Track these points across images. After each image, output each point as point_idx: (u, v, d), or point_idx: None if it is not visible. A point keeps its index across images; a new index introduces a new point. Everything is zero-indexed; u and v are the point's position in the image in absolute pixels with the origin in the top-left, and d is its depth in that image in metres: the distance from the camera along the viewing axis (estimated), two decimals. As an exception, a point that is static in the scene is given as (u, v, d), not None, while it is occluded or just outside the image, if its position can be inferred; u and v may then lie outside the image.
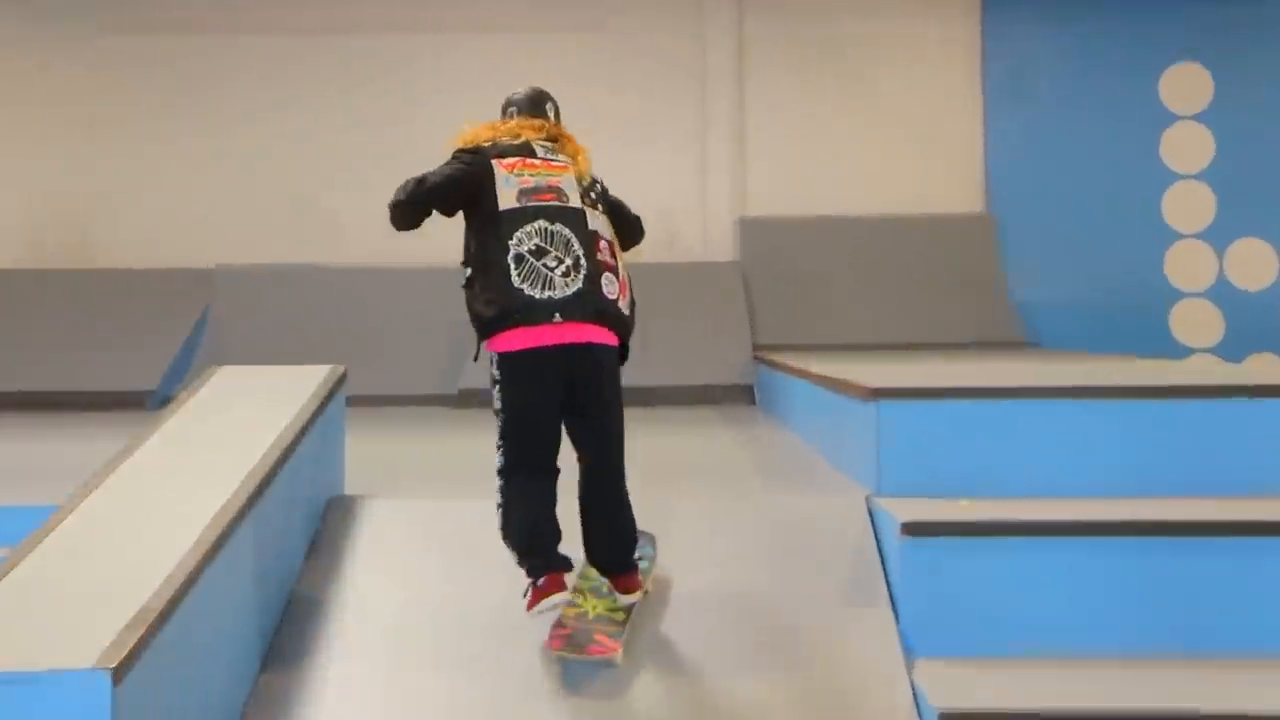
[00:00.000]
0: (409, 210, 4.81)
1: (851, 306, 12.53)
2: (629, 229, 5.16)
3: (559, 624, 4.86)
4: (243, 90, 13.10)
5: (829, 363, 9.06)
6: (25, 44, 13.14)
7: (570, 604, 4.95)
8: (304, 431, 5.42)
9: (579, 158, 4.98)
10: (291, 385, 5.88)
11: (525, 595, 4.81)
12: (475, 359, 4.92)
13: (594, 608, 4.96)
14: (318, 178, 12.99)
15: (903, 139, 13.18)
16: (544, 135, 4.99)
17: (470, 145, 4.93)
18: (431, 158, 13.75)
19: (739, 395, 11.45)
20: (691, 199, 13.11)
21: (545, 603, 4.76)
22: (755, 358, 11.56)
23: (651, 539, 5.40)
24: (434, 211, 4.88)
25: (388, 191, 12.56)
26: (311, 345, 11.86)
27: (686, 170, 13.13)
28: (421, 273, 12.53)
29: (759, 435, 9.22)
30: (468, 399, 11.22)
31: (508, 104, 5.17)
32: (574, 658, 4.77)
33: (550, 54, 13.05)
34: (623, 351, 4.91)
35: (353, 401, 11.15)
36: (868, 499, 5.93)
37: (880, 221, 12.97)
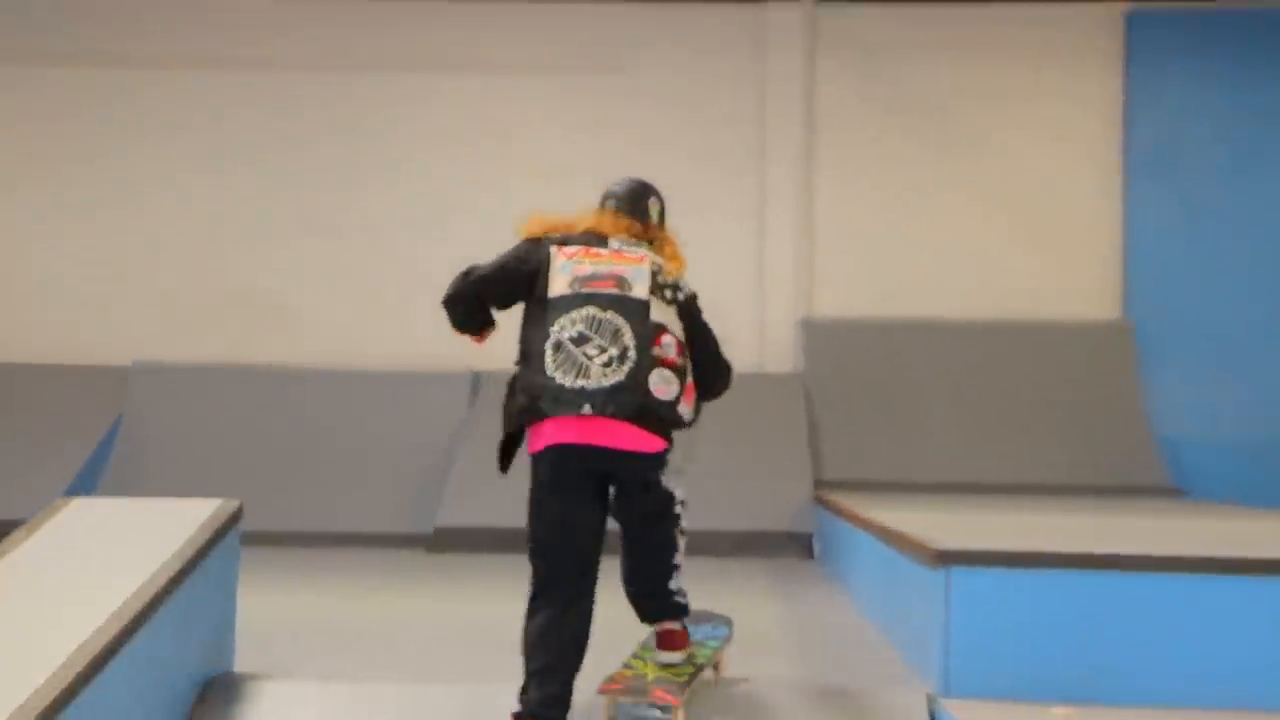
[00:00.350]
0: (459, 305, 5.36)
1: (944, 435, 12.05)
2: (707, 367, 5.47)
3: (612, 679, 5.27)
4: (173, 140, 12.92)
5: (904, 509, 8.62)
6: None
7: (626, 666, 5.37)
8: (167, 591, 4.99)
9: (669, 261, 5.42)
10: (162, 526, 5.45)
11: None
12: (503, 470, 5.22)
13: (651, 670, 5.34)
14: (266, 255, 12.77)
15: (1017, 223, 12.78)
16: (625, 239, 5.40)
17: (533, 235, 5.39)
18: (413, 230, 13.28)
19: (793, 546, 10.95)
20: (743, 293, 12.74)
21: None
22: (816, 499, 11.08)
23: (728, 621, 5.88)
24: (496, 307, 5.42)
25: (355, 274, 11.68)
26: (250, 466, 11.59)
27: (737, 256, 12.78)
28: (394, 377, 12.28)
29: (808, 600, 8.71)
30: (445, 541, 10.81)
31: (606, 196, 5.60)
32: (630, 701, 5.19)
33: (562, 102, 12.84)
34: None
35: (292, 541, 11.02)
36: (930, 700, 5.44)
37: (985, 328, 12.54)
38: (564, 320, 5.10)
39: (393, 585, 9.20)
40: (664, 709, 5.20)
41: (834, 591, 8.97)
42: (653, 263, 5.31)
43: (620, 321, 5.11)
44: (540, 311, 5.15)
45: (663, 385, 5.08)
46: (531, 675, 4.93)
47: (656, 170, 12.66)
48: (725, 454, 11.64)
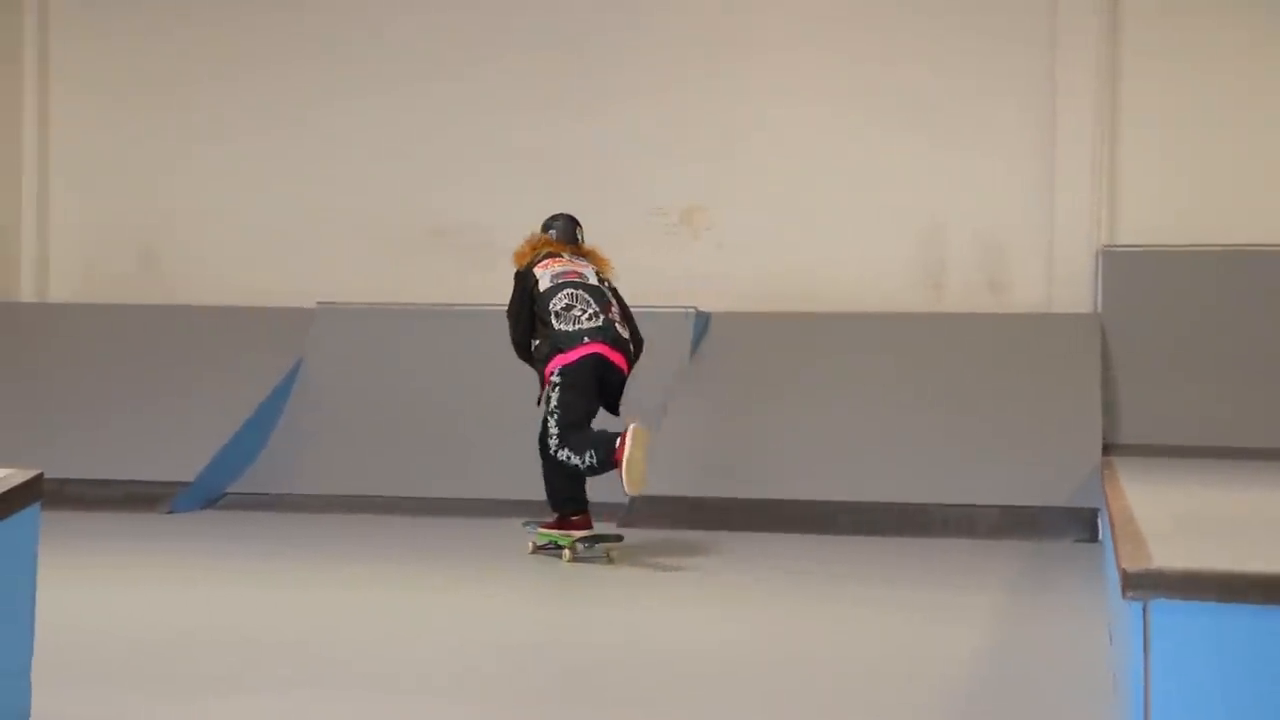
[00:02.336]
0: (526, 353, 7.93)
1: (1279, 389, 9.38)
2: (635, 335, 7.89)
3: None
4: (364, 62, 11.11)
5: (1178, 486, 6.27)
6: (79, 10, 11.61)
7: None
8: None
9: (604, 267, 8.09)
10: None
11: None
12: (538, 403, 7.73)
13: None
14: (470, 186, 10.86)
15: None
16: (571, 253, 8.03)
17: (524, 265, 7.91)
18: (639, 155, 10.48)
19: (1074, 527, 8.50)
20: (1028, 219, 10.29)
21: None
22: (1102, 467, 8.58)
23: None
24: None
25: (572, 204, 9.93)
26: (435, 417, 9.87)
27: (1021, 175, 10.33)
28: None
29: (1048, 606, 6.30)
30: (642, 513, 8.65)
31: (549, 225, 8.23)
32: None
33: (814, 6, 10.58)
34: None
35: (459, 509, 9.12)
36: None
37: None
38: (554, 300, 7.66)
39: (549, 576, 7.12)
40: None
41: (1092, 597, 6.51)
42: (593, 269, 7.98)
43: (587, 295, 7.73)
44: (543, 302, 7.68)
45: (623, 331, 7.74)
46: (595, 449, 7.37)
47: (915, 79, 10.45)
48: (996, 410, 9.30)
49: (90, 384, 10.22)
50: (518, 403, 9.79)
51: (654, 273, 10.41)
